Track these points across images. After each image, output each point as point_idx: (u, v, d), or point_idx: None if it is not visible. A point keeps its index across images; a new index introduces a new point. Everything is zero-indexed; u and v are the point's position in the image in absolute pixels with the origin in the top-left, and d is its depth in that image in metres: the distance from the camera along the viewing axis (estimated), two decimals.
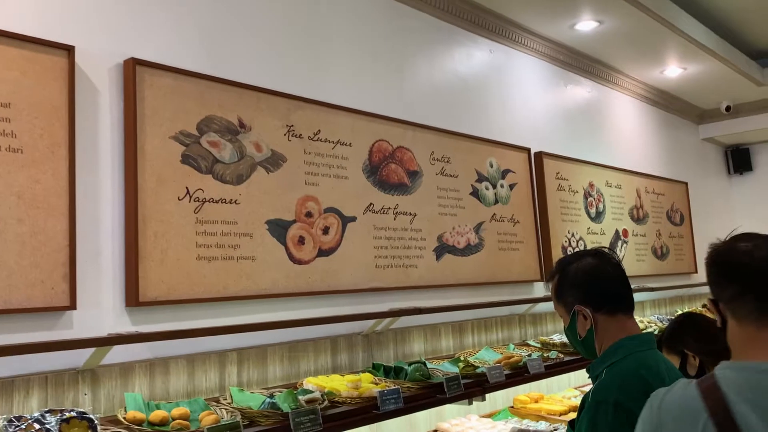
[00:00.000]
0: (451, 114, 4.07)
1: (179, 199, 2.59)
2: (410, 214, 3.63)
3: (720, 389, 1.30)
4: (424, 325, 3.59)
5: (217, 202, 2.71)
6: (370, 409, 2.43)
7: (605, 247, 2.13)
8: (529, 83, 4.87)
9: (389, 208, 3.50)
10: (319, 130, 3.18)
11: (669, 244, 6.31)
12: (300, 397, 2.34)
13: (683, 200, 6.69)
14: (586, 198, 5.19)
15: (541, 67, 5.05)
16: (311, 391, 2.45)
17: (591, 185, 5.28)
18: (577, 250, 4.77)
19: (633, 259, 5.63)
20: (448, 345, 3.71)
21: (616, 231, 5.52)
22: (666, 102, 6.70)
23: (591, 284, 1.98)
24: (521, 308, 4.27)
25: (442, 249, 3.80)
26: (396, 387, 2.62)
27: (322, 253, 3.12)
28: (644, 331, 2.07)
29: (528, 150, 4.63)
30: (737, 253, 1.44)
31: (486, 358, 3.50)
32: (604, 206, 5.40)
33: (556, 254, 4.71)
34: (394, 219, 3.53)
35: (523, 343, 4.02)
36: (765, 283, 1.37)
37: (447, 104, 4.06)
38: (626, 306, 1.99)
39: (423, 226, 3.70)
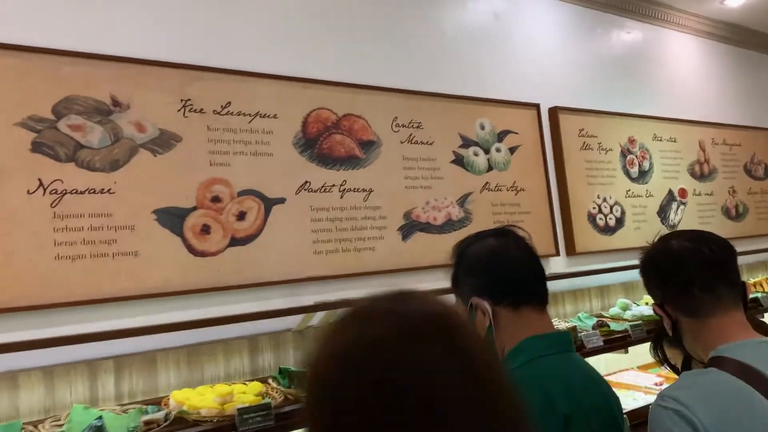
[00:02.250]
0: (422, 71, 3.53)
1: (29, 193, 2.29)
2: (364, 190, 3.15)
3: (748, 365, 1.40)
4: None
5: (82, 193, 2.39)
6: (228, 430, 2.01)
7: (514, 225, 1.65)
8: (541, 30, 4.20)
9: (332, 185, 3.05)
10: (229, 102, 2.79)
11: (748, 201, 5.36)
12: (142, 418, 1.97)
13: (766, 150, 5.68)
14: (624, 156, 4.45)
15: (561, 10, 4.35)
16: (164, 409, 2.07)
17: (631, 141, 4.52)
18: (609, 216, 4.10)
19: (694, 222, 4.80)
20: None
21: (670, 191, 4.71)
22: (735, 35, 5.70)
23: (489, 271, 1.54)
24: None
25: (411, 227, 3.29)
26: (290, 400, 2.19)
27: (237, 242, 2.73)
28: (559, 330, 1.62)
29: (536, 106, 3.98)
30: (673, 252, 1.63)
31: None
32: (650, 164, 4.62)
33: (581, 224, 4.06)
34: (341, 197, 3.07)
35: None
36: (705, 275, 1.55)
37: (417, 60, 3.52)
38: (535, 298, 1.53)
39: (383, 202, 3.21)
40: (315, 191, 2.99)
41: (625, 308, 3.69)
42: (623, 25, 4.77)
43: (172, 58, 2.66)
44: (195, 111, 2.69)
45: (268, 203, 2.84)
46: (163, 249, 2.54)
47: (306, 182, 2.96)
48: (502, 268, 1.54)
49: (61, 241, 2.32)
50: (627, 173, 4.44)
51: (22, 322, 2.24)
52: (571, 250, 3.99)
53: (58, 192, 2.34)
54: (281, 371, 2.51)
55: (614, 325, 3.38)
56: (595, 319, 3.53)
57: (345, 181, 3.09)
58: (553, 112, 4.08)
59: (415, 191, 3.34)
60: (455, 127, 3.57)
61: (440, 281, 3.18)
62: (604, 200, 4.25)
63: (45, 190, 2.31)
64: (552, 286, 3.65)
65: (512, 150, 3.82)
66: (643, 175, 4.54)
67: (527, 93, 3.98)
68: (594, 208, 4.17)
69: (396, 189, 3.27)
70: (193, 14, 2.77)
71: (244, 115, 2.82)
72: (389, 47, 3.42)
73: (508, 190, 3.75)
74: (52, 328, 2.28)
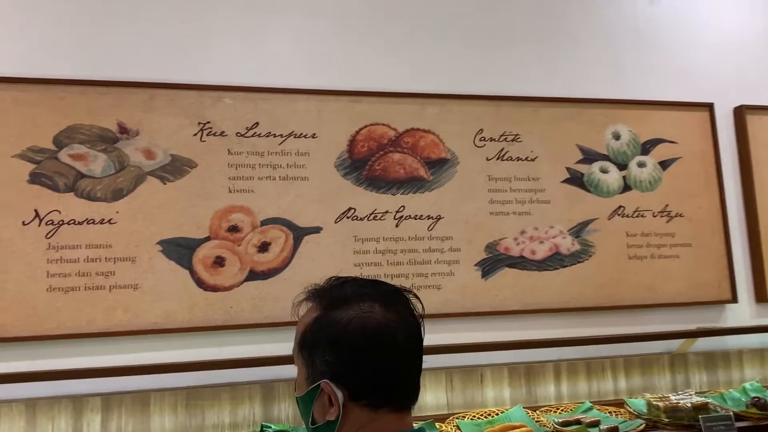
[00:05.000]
0: (520, 71, 2.90)
1: (24, 224, 2.29)
2: (429, 217, 2.65)
3: None
4: (453, 367, 2.54)
5: (80, 223, 2.33)
6: None
7: (408, 289, 1.26)
8: (718, 4, 3.23)
9: (386, 212, 2.61)
10: (256, 123, 2.55)
11: None
12: None
13: None
14: None
15: None
16: None
17: None
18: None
19: None
20: (499, 395, 2.55)
21: None
22: None
23: (362, 360, 1.14)
24: (685, 345, 2.74)
25: (496, 262, 2.68)
26: None
27: (256, 275, 2.45)
28: None
29: (709, 106, 3.04)
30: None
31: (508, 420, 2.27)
32: None
33: None
34: (396, 226, 2.61)
35: (661, 399, 2.53)
36: None
37: (513, 57, 2.91)
38: (402, 399, 1.18)
39: (455, 232, 2.66)
40: (361, 219, 2.58)
41: None
42: None
43: (190, 79, 2.51)
44: (214, 134, 2.50)
45: (299, 233, 2.51)
46: (168, 282, 2.37)
47: (350, 209, 2.57)
48: (381, 360, 1.14)
49: (54, 273, 2.28)
50: None
51: (7, 353, 2.23)
52: (761, 296, 2.91)
53: (55, 223, 2.31)
54: (263, 428, 2.14)
55: None
56: (761, 393, 2.48)
57: (403, 206, 2.62)
58: (739, 112, 3.07)
59: (505, 218, 2.72)
60: (572, 137, 2.86)
61: (537, 330, 2.57)
62: None
63: (41, 220, 2.30)
64: (720, 341, 2.73)
65: (665, 164, 2.94)
66: None
67: (694, 89, 3.06)
68: None
69: (476, 215, 2.69)
70: (215, 32, 2.61)
71: (275, 136, 2.56)
72: (471, 44, 2.87)
73: (655, 216, 2.88)
74: (38, 360, 2.24)
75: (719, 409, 2.30)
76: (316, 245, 2.52)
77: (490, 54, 2.86)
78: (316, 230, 2.53)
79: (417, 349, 1.21)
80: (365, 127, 2.65)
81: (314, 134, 2.59)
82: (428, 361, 2.46)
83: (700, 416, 2.21)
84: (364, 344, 1.13)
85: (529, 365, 2.61)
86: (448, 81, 2.78)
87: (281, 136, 2.56)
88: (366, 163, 2.62)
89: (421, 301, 1.25)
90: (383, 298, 1.18)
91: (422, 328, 1.23)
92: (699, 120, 3.01)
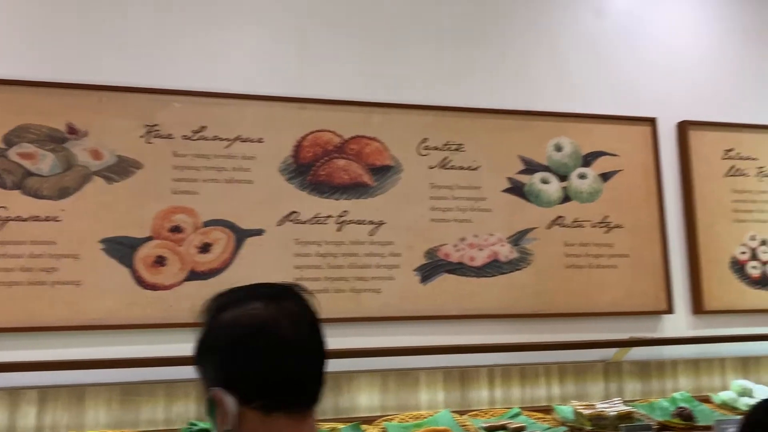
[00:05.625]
0: (468, 80, 2.98)
1: None
2: (371, 222, 2.72)
3: None
4: (389, 370, 2.61)
5: (26, 220, 2.39)
6: None
7: (297, 284, 1.18)
8: (666, 22, 3.31)
9: (328, 216, 2.68)
10: (204, 127, 2.61)
11: None
12: None
13: None
14: None
15: None
16: None
17: None
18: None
19: None
20: (433, 398, 2.62)
21: None
22: None
23: (242, 361, 1.07)
24: (617, 354, 2.82)
25: (436, 267, 2.75)
26: None
27: (196, 276, 2.51)
28: None
29: (651, 121, 3.12)
30: None
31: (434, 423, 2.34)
32: None
33: (719, 273, 3.05)
34: (338, 230, 2.68)
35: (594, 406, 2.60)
36: None
37: (457, 68, 2.99)
38: (297, 401, 1.08)
39: (396, 237, 2.73)
40: (303, 223, 2.65)
41: (744, 393, 2.62)
42: None
43: (139, 82, 2.58)
44: (161, 137, 2.56)
45: (241, 235, 2.58)
46: (109, 280, 2.42)
47: (293, 212, 2.64)
48: (264, 357, 1.07)
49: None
50: None
51: None
52: (698, 307, 2.99)
53: (1, 218, 2.37)
54: (190, 426, 2.20)
55: (705, 415, 2.41)
56: (689, 403, 2.56)
57: (346, 211, 2.69)
58: (682, 128, 3.16)
59: (446, 225, 2.79)
60: (515, 148, 2.93)
61: (473, 335, 2.63)
62: (764, 243, 3.14)
63: None
64: (655, 351, 2.80)
65: (606, 177, 3.02)
66: None
67: (638, 104, 3.14)
68: (744, 253, 3.10)
69: (417, 222, 2.76)
70: (166, 37, 2.67)
71: (221, 139, 2.62)
72: (418, 55, 2.95)
73: (594, 227, 2.96)
74: None
75: (644, 419, 2.37)
76: (257, 247, 2.58)
77: (437, 64, 2.94)
78: (258, 232, 2.60)
79: (312, 347, 1.12)
80: (311, 133, 2.72)
81: (261, 139, 2.66)
82: (365, 363, 2.55)
83: (621, 425, 2.28)
84: (243, 342, 1.06)
85: (464, 369, 2.68)
86: (395, 90, 2.85)
87: (228, 140, 2.63)
88: (311, 168, 2.69)
89: (312, 301, 1.19)
90: (267, 296, 1.12)
91: (317, 324, 1.14)
92: (642, 134, 3.10)
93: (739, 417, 2.36)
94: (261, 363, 1.06)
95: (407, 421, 2.40)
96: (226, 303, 1.12)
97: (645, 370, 2.86)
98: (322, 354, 1.12)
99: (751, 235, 3.13)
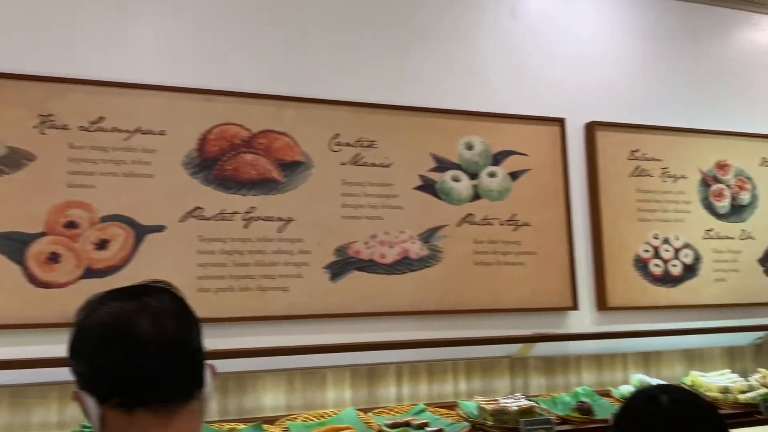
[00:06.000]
0: (381, 78, 2.96)
1: None
2: (279, 219, 2.67)
3: None
4: (295, 369, 2.57)
5: None
6: None
7: (161, 282, 1.15)
8: (577, 24, 3.37)
9: (234, 212, 2.61)
10: (102, 118, 2.50)
11: None
12: None
13: None
14: (707, 185, 3.40)
15: None
16: None
17: (722, 166, 3.45)
18: (673, 262, 3.14)
19: None
20: (340, 397, 2.59)
21: None
22: None
23: (92, 357, 1.05)
24: (518, 350, 2.86)
25: (346, 265, 2.72)
26: None
27: (93, 273, 2.40)
28: None
29: (560, 121, 3.18)
30: None
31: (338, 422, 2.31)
32: (754, 196, 3.49)
33: (623, 271, 3.14)
34: (245, 227, 2.61)
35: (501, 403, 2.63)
36: None
37: (373, 64, 2.97)
38: (160, 397, 1.05)
39: (306, 234, 2.69)
40: (208, 219, 2.57)
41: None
42: (719, 15, 3.71)
43: (33, 70, 2.44)
44: (56, 127, 2.44)
45: (141, 231, 2.48)
46: None
47: (196, 208, 2.56)
48: (116, 351, 1.04)
49: None
50: (710, 208, 3.38)
51: None
52: (602, 304, 3.08)
53: None
54: (82, 429, 2.11)
55: (604, 409, 2.47)
56: (590, 398, 2.62)
57: (253, 208, 2.63)
58: (590, 128, 3.23)
59: (357, 222, 2.77)
60: (427, 146, 2.94)
61: (383, 332, 2.61)
62: (666, 242, 3.25)
63: None
64: (560, 347, 2.86)
65: (515, 175, 3.06)
66: (738, 211, 3.43)
67: (547, 104, 3.19)
68: (647, 251, 3.21)
69: (327, 219, 2.73)
70: (64, 24, 2.54)
71: (120, 131, 2.51)
72: (333, 49, 2.91)
73: (502, 225, 2.99)
74: None
75: (544, 413, 2.41)
76: (158, 244, 2.49)
77: (350, 59, 2.91)
78: (159, 229, 2.51)
79: (175, 340, 1.07)
80: (217, 126, 2.64)
81: (163, 131, 2.57)
82: (270, 363, 2.50)
83: (521, 420, 2.31)
84: (96, 340, 1.04)
85: (371, 367, 2.66)
86: (307, 84, 2.80)
87: (127, 131, 2.52)
88: (216, 163, 2.62)
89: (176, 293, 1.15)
90: (129, 294, 1.10)
91: (183, 320, 1.10)
92: (551, 134, 3.16)
93: None
94: (111, 360, 1.03)
95: (311, 420, 2.36)
96: (91, 304, 1.11)
97: (550, 365, 2.92)
98: (188, 349, 1.08)
99: (654, 234, 3.23)
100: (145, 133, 2.54)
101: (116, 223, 2.46)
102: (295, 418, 2.38)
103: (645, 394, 1.45)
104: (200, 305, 2.33)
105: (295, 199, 2.70)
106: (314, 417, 2.39)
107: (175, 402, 1.05)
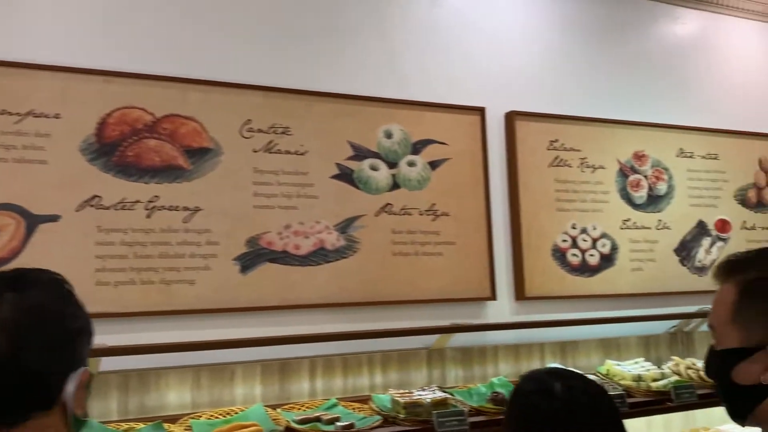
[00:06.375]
0: (298, 62, 2.86)
1: None
2: (186, 208, 2.54)
3: None
4: (202, 365, 2.45)
5: None
6: None
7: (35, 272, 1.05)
8: (497, 13, 3.34)
9: (136, 201, 2.47)
10: None
11: None
12: None
13: None
14: (624, 176, 3.43)
15: None
16: None
17: (640, 157, 3.49)
18: (591, 252, 3.14)
19: None
20: (250, 393, 2.49)
21: (700, 223, 3.59)
22: None
23: None
24: (435, 340, 2.81)
25: (257, 256, 2.61)
26: None
27: None
28: None
29: (480, 110, 3.14)
30: None
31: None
32: (670, 187, 3.54)
33: (541, 261, 3.13)
34: (148, 217, 2.47)
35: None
36: None
37: (286, 49, 2.86)
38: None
39: (215, 225, 2.57)
40: (107, 208, 2.42)
41: None
42: (640, 7, 3.74)
43: None
44: None
45: (33, 221, 2.32)
46: None
47: (94, 197, 2.41)
48: None
49: None
50: (627, 198, 3.41)
51: None
52: (520, 294, 3.06)
53: None
54: None
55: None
56: (505, 388, 2.60)
57: (157, 196, 2.50)
58: (510, 118, 3.21)
59: (270, 212, 2.67)
60: (344, 134, 2.85)
61: (296, 326, 2.52)
62: (584, 231, 3.26)
63: None
64: (478, 337, 2.83)
65: (434, 165, 3.01)
66: (654, 201, 3.48)
67: (468, 93, 3.15)
68: (565, 240, 3.21)
69: (238, 208, 2.61)
70: None
71: (10, 114, 2.34)
72: (244, 32, 2.79)
73: (421, 215, 2.94)
74: None
75: (458, 405, 2.37)
76: (52, 235, 2.33)
77: (264, 43, 2.79)
78: (53, 218, 2.35)
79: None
80: (118, 109, 2.49)
81: (57, 114, 2.40)
82: (175, 358, 2.37)
83: (434, 412, 2.26)
84: None
85: (284, 362, 2.57)
86: (216, 67, 2.68)
87: (18, 114, 2.35)
88: (116, 149, 2.47)
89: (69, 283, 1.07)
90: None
91: (23, 333, 0.97)
92: (470, 123, 3.12)
93: None
94: None
95: (216, 418, 2.26)
96: None
97: (467, 356, 2.89)
98: (20, 369, 0.95)
99: (572, 224, 3.24)
100: (37, 116, 2.37)
101: (5, 212, 2.29)
102: (200, 416, 2.26)
103: (536, 383, 1.41)
104: (99, 299, 2.24)
105: (203, 187, 2.57)
106: (220, 414, 2.28)
107: (7, 423, 0.96)
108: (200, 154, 2.59)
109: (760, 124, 3.91)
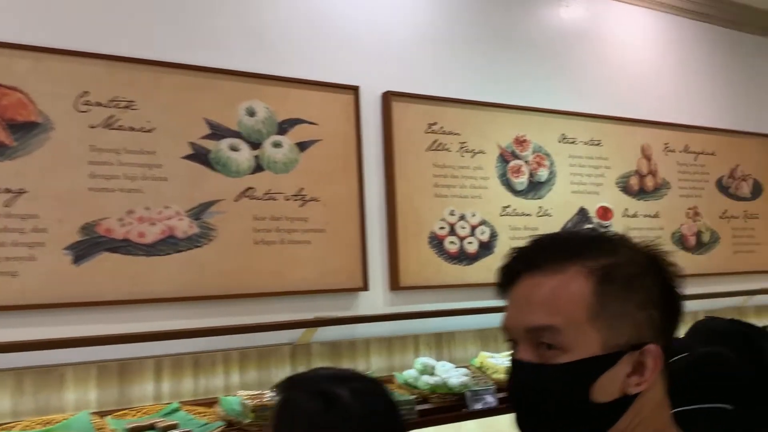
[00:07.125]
0: (146, 30, 2.58)
1: None
2: (8, 191, 2.22)
3: None
4: (26, 368, 2.15)
5: None
6: None
7: None
8: None
9: None
10: None
11: (720, 228, 4.07)
12: None
13: (759, 162, 4.36)
14: (505, 161, 3.32)
15: None
16: None
17: (521, 141, 3.39)
18: (469, 240, 3.00)
19: None
20: (83, 398, 2.22)
21: (582, 210, 3.53)
22: (720, 12, 4.41)
23: None
24: (301, 335, 2.61)
25: (93, 246, 2.33)
26: None
27: None
28: None
29: (354, 89, 2.95)
30: None
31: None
32: (551, 173, 3.47)
33: (418, 249, 2.98)
34: None
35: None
36: None
37: (132, 14, 2.58)
38: None
39: (42, 209, 2.27)
40: None
41: (426, 371, 2.56)
42: None
43: None
44: None
45: None
46: None
47: None
48: None
49: None
50: (508, 184, 3.31)
51: None
52: (395, 284, 2.90)
53: None
54: None
55: None
56: None
57: None
58: (386, 98, 3.03)
59: (109, 195, 2.38)
60: (200, 110, 2.60)
61: (140, 322, 2.25)
62: (462, 218, 3.13)
63: None
64: (348, 330, 2.65)
65: (303, 146, 2.79)
66: (535, 188, 3.39)
67: (341, 71, 2.95)
68: (443, 228, 3.07)
69: (71, 191, 2.32)
70: None
71: None
72: None
73: (288, 200, 2.72)
74: None
75: None
76: None
77: (106, 8, 2.50)
78: None
79: None
80: None
81: None
82: None
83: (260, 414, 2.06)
84: None
85: (125, 362, 2.31)
86: (48, 31, 2.37)
87: None
88: None
89: None
90: None
91: None
92: (344, 103, 2.92)
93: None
94: None
95: (34, 428, 1.97)
96: None
97: (336, 350, 2.70)
98: None
99: (450, 210, 3.10)
100: None
101: None
102: (13, 427, 1.97)
103: (316, 391, 1.20)
104: None
105: (29, 167, 2.27)
106: (38, 425, 2.00)
107: None
108: (26, 129, 2.28)
109: (643, 111, 3.90)
